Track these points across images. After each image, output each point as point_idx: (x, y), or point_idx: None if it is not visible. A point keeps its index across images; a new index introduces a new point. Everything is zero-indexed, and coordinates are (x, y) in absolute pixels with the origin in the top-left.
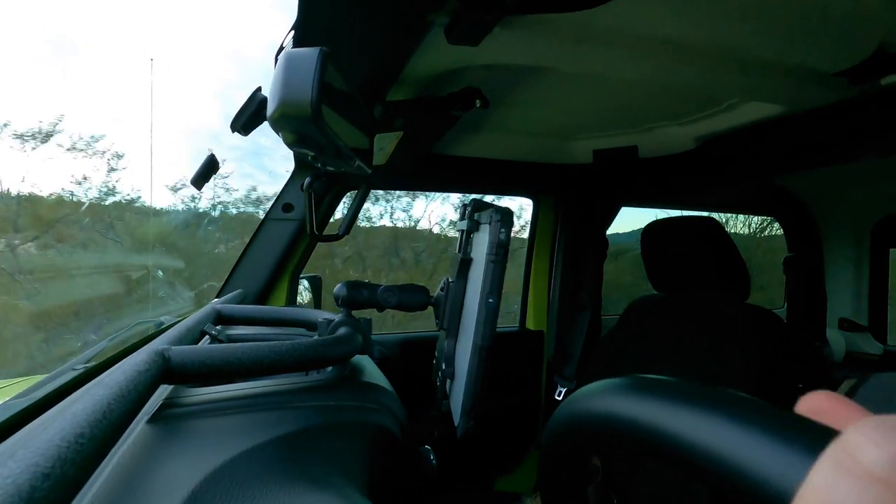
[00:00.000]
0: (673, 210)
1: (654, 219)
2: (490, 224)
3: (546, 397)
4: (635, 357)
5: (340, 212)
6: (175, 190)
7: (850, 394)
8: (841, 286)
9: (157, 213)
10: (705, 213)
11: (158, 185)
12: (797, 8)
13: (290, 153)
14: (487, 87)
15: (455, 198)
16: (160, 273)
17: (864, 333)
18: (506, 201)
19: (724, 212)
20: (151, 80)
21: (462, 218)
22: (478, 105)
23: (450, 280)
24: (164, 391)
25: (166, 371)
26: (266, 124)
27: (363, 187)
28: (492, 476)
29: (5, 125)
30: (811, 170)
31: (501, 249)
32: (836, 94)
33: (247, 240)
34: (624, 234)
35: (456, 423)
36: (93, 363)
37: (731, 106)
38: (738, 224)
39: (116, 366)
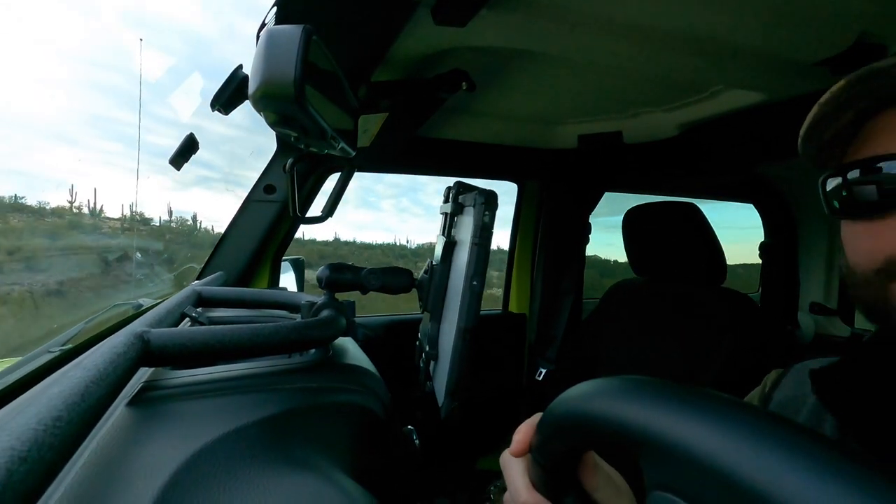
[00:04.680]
0: (657, 196)
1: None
2: (474, 207)
3: (527, 379)
4: (615, 341)
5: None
6: None
7: (776, 384)
8: (813, 272)
9: None
10: (687, 200)
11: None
12: None
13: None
14: (474, 70)
15: None
16: None
17: (833, 317)
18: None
19: (705, 198)
20: (140, 61)
21: (446, 200)
22: (464, 88)
23: (434, 263)
24: (143, 374)
25: (146, 353)
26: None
27: (347, 169)
28: (474, 455)
29: None
30: (791, 159)
31: (486, 232)
32: (817, 83)
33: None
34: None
35: (440, 404)
36: (69, 346)
37: (715, 93)
38: None
39: (94, 348)
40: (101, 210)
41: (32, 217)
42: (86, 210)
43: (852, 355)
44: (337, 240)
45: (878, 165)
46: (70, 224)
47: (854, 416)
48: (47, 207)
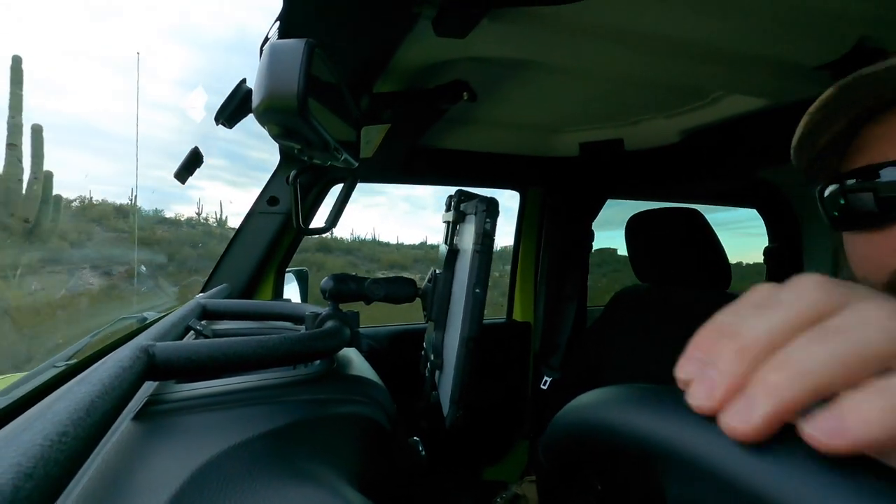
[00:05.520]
0: (659, 203)
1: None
2: (475, 214)
3: (532, 388)
4: (621, 348)
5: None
6: None
7: None
8: None
9: None
10: (690, 206)
11: None
12: (779, 2)
13: None
14: (475, 80)
15: None
16: None
17: None
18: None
19: (708, 204)
20: (138, 74)
21: (448, 209)
22: (465, 98)
23: (437, 271)
24: (148, 388)
25: (151, 367)
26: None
27: (350, 180)
28: (480, 465)
29: None
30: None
31: (487, 240)
32: (818, 87)
33: None
34: None
35: (444, 413)
36: (74, 360)
37: (715, 99)
38: None
39: (99, 362)
40: (226, 220)
41: (172, 228)
42: (213, 220)
43: None
44: (424, 242)
45: (876, 174)
46: (203, 233)
47: None
48: (182, 219)
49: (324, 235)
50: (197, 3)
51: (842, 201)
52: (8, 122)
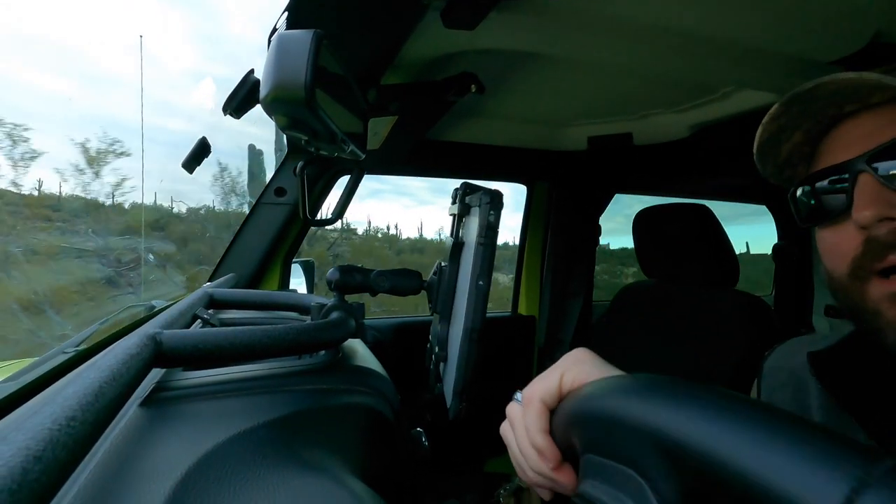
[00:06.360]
0: (667, 198)
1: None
2: (480, 207)
3: None
4: (626, 343)
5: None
6: None
7: (769, 354)
8: None
9: None
10: (698, 202)
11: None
12: None
13: None
14: (483, 72)
15: None
16: None
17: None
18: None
19: (717, 200)
20: (141, 58)
21: (454, 202)
22: (473, 90)
23: (442, 264)
24: (156, 375)
25: (158, 354)
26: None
27: (357, 172)
28: (482, 457)
29: None
30: None
31: (491, 232)
32: None
33: None
34: None
35: (448, 405)
36: (83, 346)
37: (726, 94)
38: None
39: (108, 349)
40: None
41: None
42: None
43: (849, 341)
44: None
45: (828, 177)
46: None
47: (852, 397)
48: None
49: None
50: None
51: (807, 201)
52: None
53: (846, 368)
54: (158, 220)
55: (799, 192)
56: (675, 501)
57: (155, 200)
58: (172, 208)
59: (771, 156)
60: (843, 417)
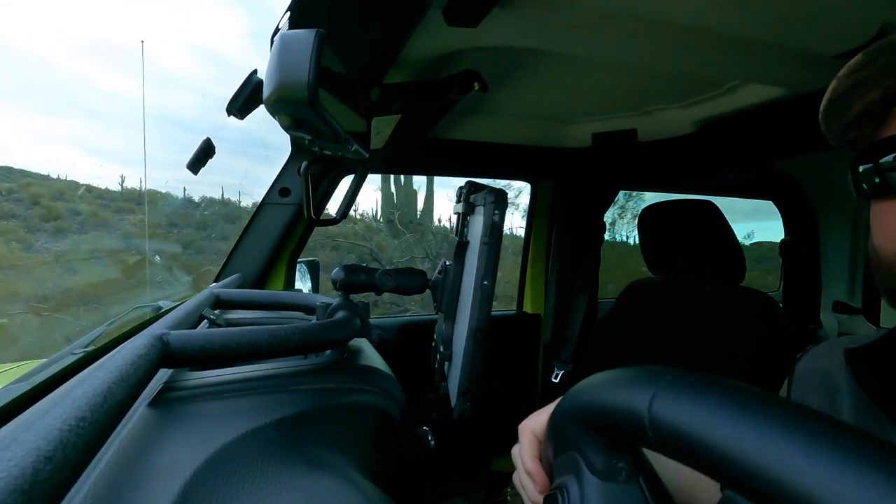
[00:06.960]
0: (673, 194)
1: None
2: (484, 206)
3: (543, 380)
4: (632, 341)
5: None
6: None
7: (803, 356)
8: (836, 270)
9: None
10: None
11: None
12: None
13: None
14: (486, 70)
15: None
16: None
17: (858, 316)
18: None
19: (723, 196)
20: (143, 62)
21: (458, 200)
22: (476, 88)
23: (447, 263)
24: (163, 375)
25: (166, 355)
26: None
27: (361, 171)
28: (489, 455)
29: None
30: (811, 154)
31: (496, 231)
32: None
33: None
34: None
35: (452, 405)
36: (91, 347)
37: (731, 89)
38: None
39: (116, 350)
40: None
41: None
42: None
43: (888, 337)
44: None
45: None
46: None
47: (885, 391)
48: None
49: None
50: None
51: (875, 171)
52: None
53: (882, 363)
54: (230, 214)
55: (862, 160)
56: (600, 462)
57: (222, 195)
58: (240, 202)
59: (837, 114)
60: (875, 415)
